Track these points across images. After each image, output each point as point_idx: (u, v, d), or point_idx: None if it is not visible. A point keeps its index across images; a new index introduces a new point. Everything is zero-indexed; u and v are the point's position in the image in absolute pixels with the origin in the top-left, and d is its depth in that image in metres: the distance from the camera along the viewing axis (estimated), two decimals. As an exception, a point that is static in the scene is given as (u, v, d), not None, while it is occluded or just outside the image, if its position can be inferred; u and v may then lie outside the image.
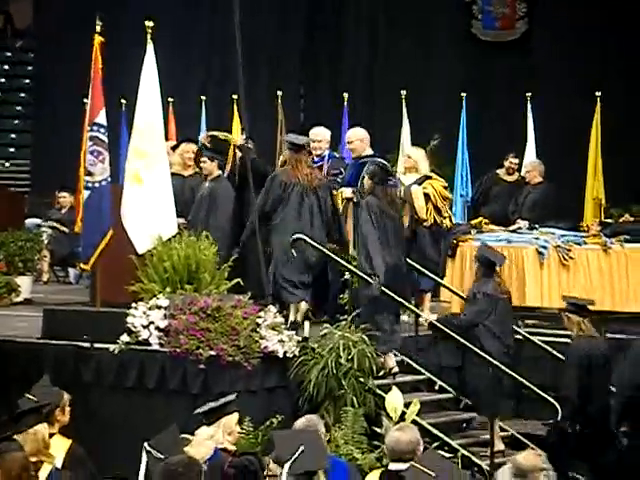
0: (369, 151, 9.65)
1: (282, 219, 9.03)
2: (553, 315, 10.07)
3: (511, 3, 17.53)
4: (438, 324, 8.78)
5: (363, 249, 8.72)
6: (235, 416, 5.82)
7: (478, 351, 8.44)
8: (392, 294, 8.54)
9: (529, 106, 14.29)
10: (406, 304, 8.90)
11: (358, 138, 9.69)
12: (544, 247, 11.13)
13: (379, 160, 9.37)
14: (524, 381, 8.50)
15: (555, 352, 9.04)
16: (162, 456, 5.09)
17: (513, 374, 8.44)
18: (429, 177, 10.36)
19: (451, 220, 10.33)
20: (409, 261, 9.35)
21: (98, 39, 8.73)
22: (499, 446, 8.41)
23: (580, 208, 14.02)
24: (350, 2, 18.39)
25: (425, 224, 9.80)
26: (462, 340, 8.52)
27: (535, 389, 8.52)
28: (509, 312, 8.85)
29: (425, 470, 4.68)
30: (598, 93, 14.07)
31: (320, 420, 5.99)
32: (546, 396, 8.38)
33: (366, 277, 8.58)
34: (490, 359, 8.37)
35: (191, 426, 5.73)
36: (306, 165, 9.23)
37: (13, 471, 4.33)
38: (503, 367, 8.36)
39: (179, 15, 17.80)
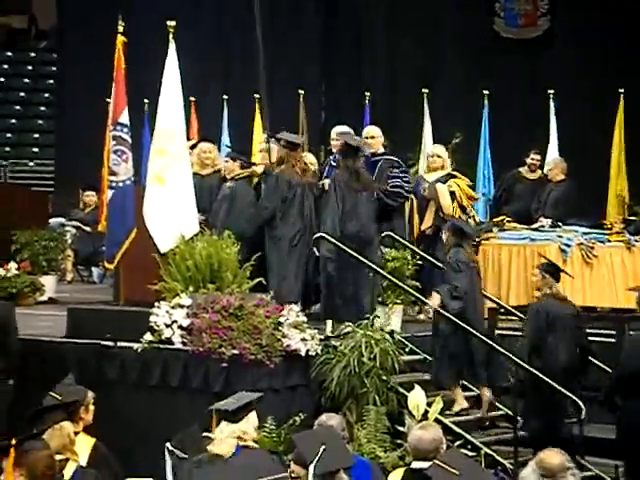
0: (382, 149, 10.06)
1: (286, 218, 9.13)
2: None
3: (533, 0, 17.46)
4: (454, 318, 8.76)
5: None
6: (255, 413, 5.83)
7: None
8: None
9: (551, 103, 14.23)
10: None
11: (376, 135, 10.06)
12: (567, 245, 11.08)
13: (350, 137, 9.53)
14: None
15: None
16: (185, 455, 5.11)
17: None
18: (454, 175, 10.36)
19: (474, 219, 10.32)
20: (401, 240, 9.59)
21: (120, 39, 8.78)
22: (462, 404, 8.55)
23: (603, 205, 13.97)
24: (368, 2, 18.38)
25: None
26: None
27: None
28: (479, 281, 8.99)
29: (448, 468, 4.67)
30: (621, 90, 14.00)
31: (340, 418, 5.99)
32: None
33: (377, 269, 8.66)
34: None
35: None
36: (302, 163, 9.37)
37: (38, 469, 4.36)
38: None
39: (200, 15, 17.86)
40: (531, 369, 8.31)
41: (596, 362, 8.88)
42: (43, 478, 4.41)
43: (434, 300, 8.62)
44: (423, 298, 9.09)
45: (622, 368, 7.91)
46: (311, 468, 4.59)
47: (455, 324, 8.49)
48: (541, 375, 8.25)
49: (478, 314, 8.84)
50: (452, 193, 10.04)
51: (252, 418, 5.76)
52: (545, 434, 8.00)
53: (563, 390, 8.19)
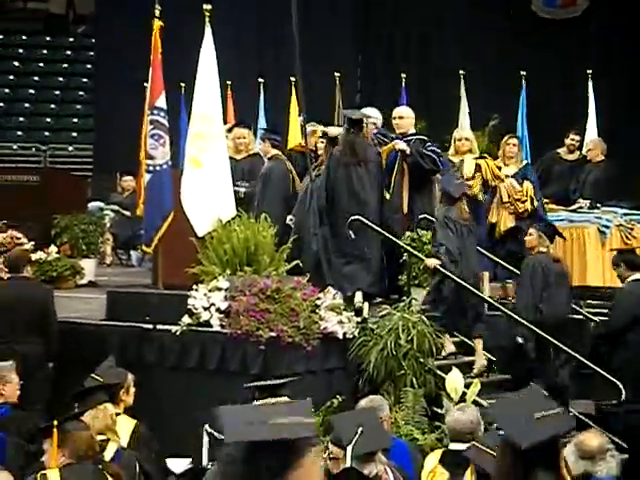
0: (412, 130, 10.06)
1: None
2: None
3: (572, -20, 17.29)
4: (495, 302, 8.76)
5: None
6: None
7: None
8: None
9: (590, 83, 14.08)
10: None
11: (406, 115, 10.08)
12: (606, 226, 11.00)
13: (351, 111, 9.66)
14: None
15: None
16: (223, 437, 5.12)
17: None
18: (484, 157, 10.36)
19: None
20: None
21: (157, 23, 8.81)
22: (450, 348, 8.65)
23: (643, 187, 13.82)
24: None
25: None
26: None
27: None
28: (469, 236, 8.96)
29: (486, 450, 4.67)
30: (661, 69, 13.84)
31: (384, 400, 6.01)
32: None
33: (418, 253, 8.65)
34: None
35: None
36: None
37: (80, 450, 4.42)
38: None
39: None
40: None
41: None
42: (85, 458, 4.47)
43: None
44: (452, 276, 8.99)
45: (613, 321, 8.55)
46: (349, 449, 4.61)
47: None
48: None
49: (468, 271, 8.83)
50: (478, 166, 10.01)
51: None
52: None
53: (605, 374, 8.19)
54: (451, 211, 8.84)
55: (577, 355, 8.38)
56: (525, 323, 8.53)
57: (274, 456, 2.64)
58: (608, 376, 8.22)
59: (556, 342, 8.39)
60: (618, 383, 8.16)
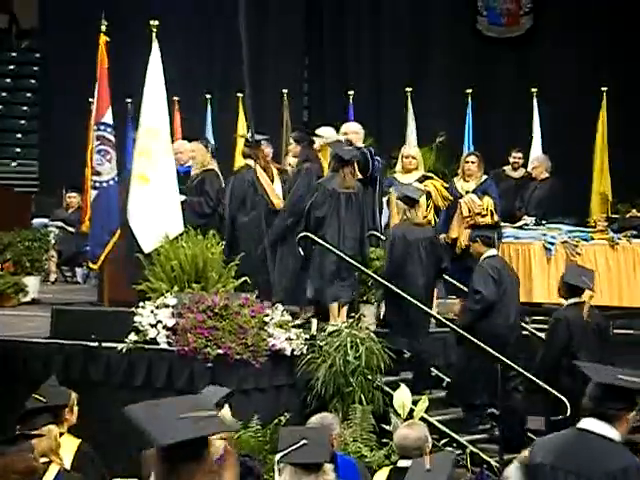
0: (360, 144, 9.98)
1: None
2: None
3: (516, -1, 17.52)
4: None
5: None
6: (227, 410, 5.71)
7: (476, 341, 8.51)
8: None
9: (535, 102, 14.27)
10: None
11: (353, 131, 10.07)
12: (551, 243, 11.11)
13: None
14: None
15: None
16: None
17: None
18: (429, 177, 10.40)
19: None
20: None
21: (103, 38, 8.75)
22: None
23: (587, 204, 14.02)
24: (351, 3, 18.36)
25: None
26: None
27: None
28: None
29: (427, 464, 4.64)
30: (604, 88, 14.05)
31: (335, 418, 5.98)
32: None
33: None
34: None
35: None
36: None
37: (11, 474, 4.30)
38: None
39: (183, 14, 17.81)
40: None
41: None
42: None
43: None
44: (407, 295, 9.05)
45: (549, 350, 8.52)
46: (276, 457, 4.57)
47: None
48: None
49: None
50: (428, 193, 10.07)
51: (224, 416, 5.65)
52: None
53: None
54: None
55: (527, 374, 8.42)
56: (474, 340, 8.52)
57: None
58: (555, 392, 8.27)
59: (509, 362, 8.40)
60: (563, 399, 8.21)
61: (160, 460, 2.86)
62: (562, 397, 8.06)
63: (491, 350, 8.34)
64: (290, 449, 4.43)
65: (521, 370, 8.45)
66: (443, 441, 7.82)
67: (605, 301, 10.79)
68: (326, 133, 10.10)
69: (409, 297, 8.72)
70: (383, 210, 10.48)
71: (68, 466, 5.30)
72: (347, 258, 8.91)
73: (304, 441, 4.49)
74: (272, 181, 10.02)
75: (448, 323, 8.89)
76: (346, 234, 9.04)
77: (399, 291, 8.75)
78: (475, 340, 8.45)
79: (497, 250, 9.25)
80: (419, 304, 8.72)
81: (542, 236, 11.22)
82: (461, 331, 8.64)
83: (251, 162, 9.91)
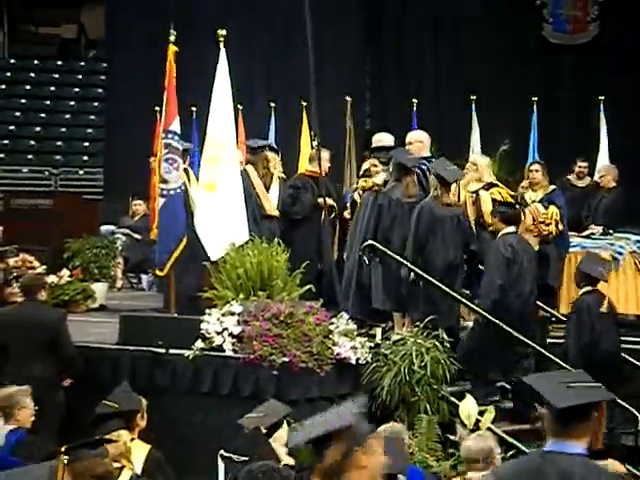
0: (426, 153, 9.78)
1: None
2: (631, 322, 9.95)
3: (583, 6, 17.33)
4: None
5: None
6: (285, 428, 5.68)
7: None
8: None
9: (602, 109, 14.08)
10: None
11: (418, 140, 9.84)
12: (619, 253, 10.96)
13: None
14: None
15: (632, 359, 8.91)
16: (244, 458, 5.06)
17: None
18: (495, 185, 10.32)
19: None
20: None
21: (172, 48, 8.83)
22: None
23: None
24: (413, 4, 18.29)
25: (490, 229, 9.69)
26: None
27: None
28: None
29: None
30: (673, 96, 13.83)
31: (403, 428, 5.95)
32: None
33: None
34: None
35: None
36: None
37: (96, 476, 4.37)
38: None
39: (247, 23, 17.93)
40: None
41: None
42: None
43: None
44: (471, 305, 8.99)
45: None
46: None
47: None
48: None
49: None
50: (494, 200, 9.99)
51: (281, 434, 5.60)
52: None
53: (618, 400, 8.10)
54: (396, 190, 9.06)
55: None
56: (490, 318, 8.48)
57: None
58: (624, 404, 8.14)
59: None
60: (634, 411, 8.10)
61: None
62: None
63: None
64: None
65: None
66: (510, 452, 7.73)
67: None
68: (384, 139, 10.08)
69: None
70: None
71: (139, 471, 5.36)
72: (410, 265, 8.87)
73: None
74: (268, 187, 10.42)
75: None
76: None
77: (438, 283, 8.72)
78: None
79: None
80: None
81: (610, 246, 11.07)
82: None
83: (250, 168, 10.23)
